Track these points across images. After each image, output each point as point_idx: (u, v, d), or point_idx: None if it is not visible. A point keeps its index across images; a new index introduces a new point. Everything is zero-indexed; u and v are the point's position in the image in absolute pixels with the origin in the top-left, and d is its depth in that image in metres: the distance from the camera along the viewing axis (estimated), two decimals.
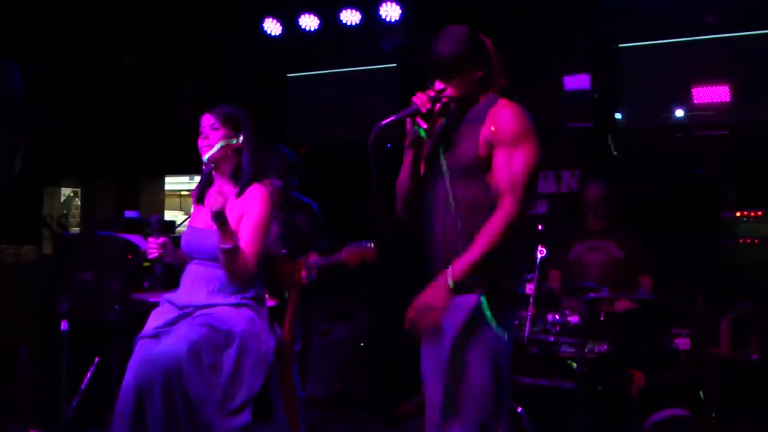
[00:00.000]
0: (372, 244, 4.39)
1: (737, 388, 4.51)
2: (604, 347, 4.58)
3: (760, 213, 5.16)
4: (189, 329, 3.36)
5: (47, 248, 6.86)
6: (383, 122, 2.87)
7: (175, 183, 9.03)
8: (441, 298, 2.78)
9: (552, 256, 4.91)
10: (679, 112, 6.07)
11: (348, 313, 6.30)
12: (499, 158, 2.86)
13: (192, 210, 3.83)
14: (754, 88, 5.70)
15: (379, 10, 6.30)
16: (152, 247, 3.64)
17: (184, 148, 7.52)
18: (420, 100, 2.88)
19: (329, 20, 6.51)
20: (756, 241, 5.17)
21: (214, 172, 3.66)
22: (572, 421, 4.41)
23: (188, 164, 8.00)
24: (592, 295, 4.50)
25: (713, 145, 5.91)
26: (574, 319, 4.61)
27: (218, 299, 3.48)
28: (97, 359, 4.91)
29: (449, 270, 2.78)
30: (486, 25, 5.83)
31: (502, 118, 2.88)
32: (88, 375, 4.87)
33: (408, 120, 2.93)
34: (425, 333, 3.02)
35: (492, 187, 2.88)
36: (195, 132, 3.65)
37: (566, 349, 4.62)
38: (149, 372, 3.22)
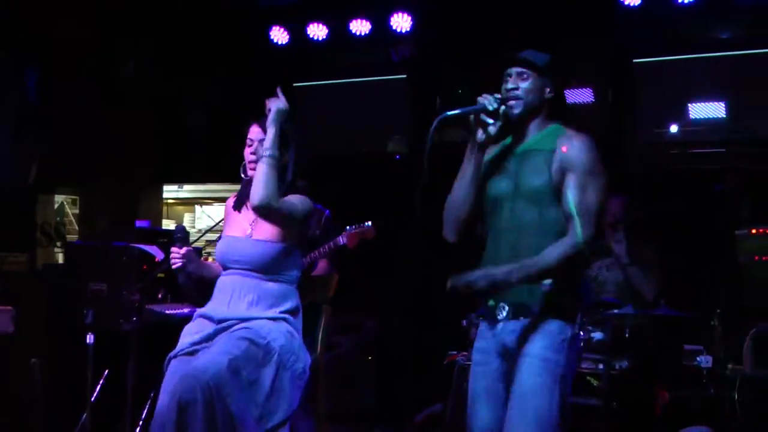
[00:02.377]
0: (370, 223, 4.38)
1: (760, 405, 4.51)
2: (626, 364, 4.56)
3: None
4: (228, 343, 3.29)
5: (45, 257, 6.76)
6: (445, 114, 2.83)
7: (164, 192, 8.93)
8: (490, 280, 2.74)
9: None
10: (674, 128, 6.12)
11: (355, 325, 6.23)
12: (571, 185, 2.85)
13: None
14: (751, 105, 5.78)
15: (389, 21, 6.26)
16: (176, 256, 3.57)
17: (182, 157, 7.51)
18: (486, 98, 2.87)
19: (338, 30, 6.47)
20: None
21: None
22: None
23: (184, 173, 7.94)
24: (616, 311, 4.48)
25: (709, 161, 5.96)
26: (597, 335, 4.58)
27: (256, 312, 3.41)
28: (106, 372, 4.82)
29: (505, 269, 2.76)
30: (497, 38, 5.90)
31: (576, 147, 2.88)
32: (99, 386, 4.77)
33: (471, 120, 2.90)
34: (478, 352, 3.00)
35: (558, 213, 2.87)
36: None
37: (587, 365, 4.59)
38: (191, 387, 3.14)
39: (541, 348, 2.81)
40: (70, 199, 7.53)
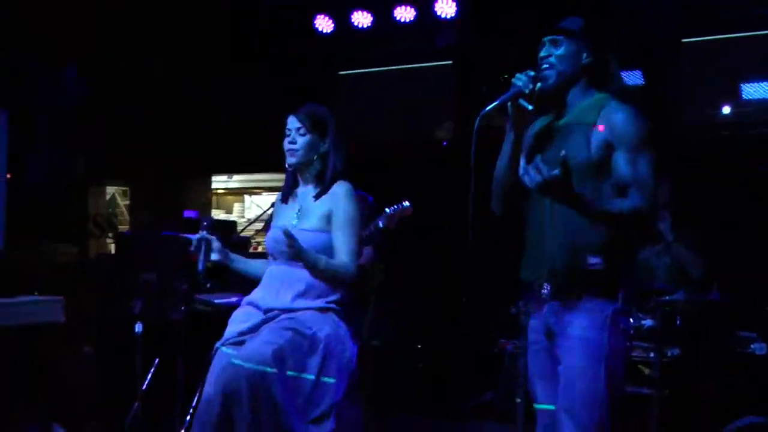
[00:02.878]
0: (407, 203, 4.35)
1: None
2: (677, 351, 4.49)
3: None
4: (274, 333, 3.29)
5: (97, 248, 6.87)
6: (486, 109, 2.78)
7: (213, 182, 9.00)
8: (560, 190, 2.64)
9: None
10: (726, 110, 5.99)
11: (403, 312, 6.21)
12: (621, 161, 2.77)
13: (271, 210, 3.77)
14: None
15: (434, 7, 6.23)
16: (195, 242, 3.56)
17: (231, 147, 7.56)
18: (521, 80, 2.80)
19: (383, 17, 6.45)
20: None
21: (298, 174, 3.59)
22: (647, 427, 4.31)
23: (233, 163, 7.99)
24: (668, 297, 4.41)
25: (763, 142, 5.82)
26: (647, 322, 4.51)
27: (303, 303, 3.40)
28: (157, 360, 4.86)
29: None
30: (543, 21, 5.82)
31: (622, 121, 2.79)
32: (149, 376, 4.82)
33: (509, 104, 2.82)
34: (531, 331, 2.96)
35: (599, 189, 2.79)
36: (275, 131, 3.60)
37: (638, 354, 4.53)
38: (235, 376, 3.16)
39: (582, 328, 2.77)
40: (121, 191, 7.65)
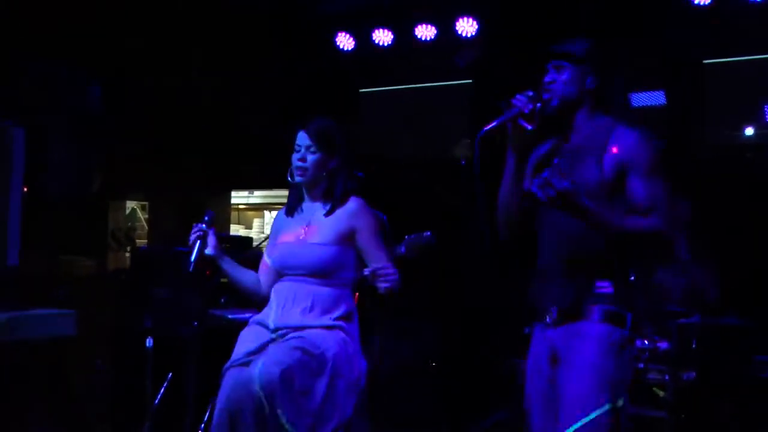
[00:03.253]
0: (429, 233, 4.32)
1: None
2: (693, 375, 4.44)
3: None
4: (282, 352, 3.27)
5: (115, 262, 6.91)
6: (483, 130, 2.76)
7: (234, 197, 9.04)
8: (574, 201, 2.63)
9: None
10: (749, 131, 5.94)
11: (416, 330, 6.18)
12: (635, 184, 2.78)
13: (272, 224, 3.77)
14: None
15: (455, 26, 6.22)
16: (193, 231, 3.58)
17: (249, 163, 7.59)
18: (520, 101, 2.78)
19: (404, 35, 6.46)
20: None
21: (304, 189, 3.58)
22: None
23: (253, 179, 8.02)
24: (684, 320, 4.36)
25: None
26: (663, 344, 4.46)
27: (310, 320, 3.39)
28: (170, 375, 4.86)
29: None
30: (560, 42, 5.80)
31: (633, 144, 2.80)
32: (162, 391, 4.82)
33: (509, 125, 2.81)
34: (531, 357, 2.95)
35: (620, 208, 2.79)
36: (285, 146, 3.60)
37: (653, 376, 4.48)
38: (241, 396, 3.15)
39: (587, 354, 2.73)
40: (141, 205, 7.70)
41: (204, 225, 3.60)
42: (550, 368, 2.85)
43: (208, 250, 3.58)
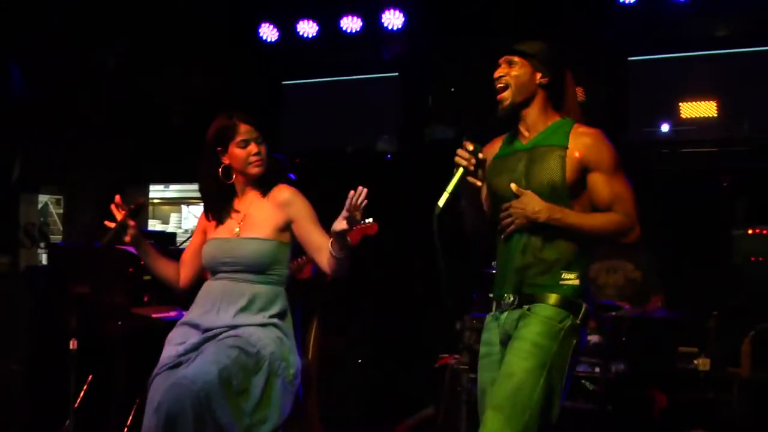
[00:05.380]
0: (371, 220, 4.28)
1: (758, 408, 4.45)
2: (622, 367, 4.48)
3: None
4: (218, 352, 3.16)
5: (27, 259, 6.62)
6: (439, 203, 2.74)
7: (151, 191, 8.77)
8: (538, 210, 2.76)
9: None
10: (665, 127, 6.05)
11: (343, 328, 6.13)
12: (599, 182, 2.84)
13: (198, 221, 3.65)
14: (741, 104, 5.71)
15: (381, 18, 6.17)
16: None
17: (168, 156, 7.38)
18: (463, 158, 2.79)
19: (329, 27, 6.38)
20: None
21: (245, 182, 3.48)
22: None
23: (173, 173, 7.81)
24: (614, 313, 4.40)
25: (701, 161, 5.89)
26: (593, 338, 4.50)
27: (244, 319, 3.28)
28: (90, 377, 4.69)
29: (550, 206, 2.77)
30: (489, 35, 5.81)
31: (593, 144, 2.84)
32: (82, 393, 4.64)
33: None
34: (483, 345, 2.96)
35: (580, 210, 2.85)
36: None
37: (583, 369, 4.51)
38: (179, 398, 3.00)
39: (534, 333, 2.76)
40: (54, 199, 7.40)
41: (130, 213, 3.40)
42: (502, 352, 2.87)
43: (127, 239, 3.42)
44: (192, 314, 3.40)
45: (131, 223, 3.39)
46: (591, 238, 2.84)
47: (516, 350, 2.76)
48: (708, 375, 4.49)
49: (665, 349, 4.61)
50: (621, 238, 2.85)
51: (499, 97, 2.91)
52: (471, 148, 2.78)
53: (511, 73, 2.89)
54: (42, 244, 6.69)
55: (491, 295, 3.00)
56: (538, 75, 2.89)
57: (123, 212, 3.38)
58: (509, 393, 2.70)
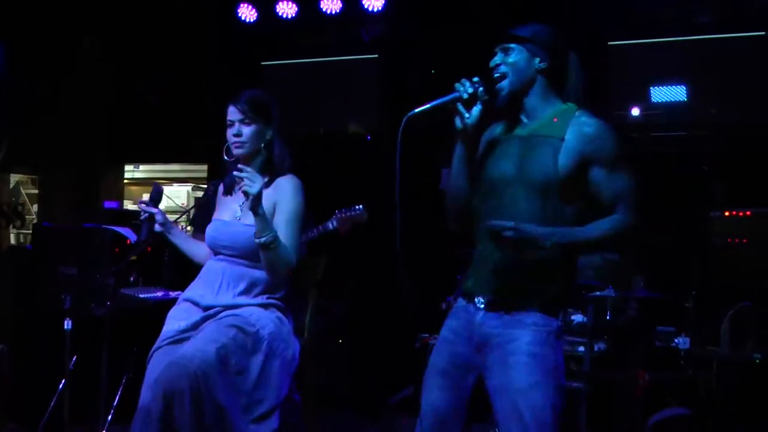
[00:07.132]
0: (361, 207, 4.29)
1: (737, 386, 4.54)
2: (604, 346, 4.57)
3: (749, 213, 5.21)
4: (216, 331, 3.18)
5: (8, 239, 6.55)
6: (414, 111, 2.60)
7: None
8: (530, 235, 2.59)
9: None
10: (635, 111, 6.13)
11: (325, 308, 6.14)
12: (599, 177, 2.68)
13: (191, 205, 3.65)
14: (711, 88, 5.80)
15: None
16: (142, 210, 3.46)
17: (141, 136, 7.32)
18: (463, 85, 2.66)
19: (308, 8, 6.34)
20: (744, 240, 5.21)
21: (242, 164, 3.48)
22: (575, 420, 4.37)
23: (146, 153, 7.75)
24: (597, 293, 4.48)
25: (670, 144, 5.98)
26: (577, 317, 4.57)
27: (245, 299, 3.31)
28: (75, 358, 4.66)
29: (543, 230, 2.61)
30: (469, 19, 5.83)
31: (597, 136, 2.68)
32: (67, 374, 4.62)
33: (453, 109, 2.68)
34: (448, 330, 2.85)
35: (572, 204, 2.70)
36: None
37: (566, 348, 4.58)
38: (177, 376, 3.02)
39: (527, 344, 2.65)
40: (27, 179, 7.32)
41: (151, 202, 3.45)
42: (469, 351, 2.77)
43: (156, 227, 3.43)
44: (192, 292, 3.41)
45: (156, 210, 3.42)
46: (592, 250, 2.77)
47: (515, 366, 2.65)
48: (688, 354, 4.59)
49: (645, 328, 4.69)
50: (622, 241, 2.77)
51: (497, 87, 2.73)
52: (475, 79, 2.67)
53: (507, 60, 2.74)
54: (16, 225, 6.62)
55: (465, 285, 2.86)
56: (536, 60, 2.73)
57: (148, 205, 3.41)
58: (528, 415, 2.60)
